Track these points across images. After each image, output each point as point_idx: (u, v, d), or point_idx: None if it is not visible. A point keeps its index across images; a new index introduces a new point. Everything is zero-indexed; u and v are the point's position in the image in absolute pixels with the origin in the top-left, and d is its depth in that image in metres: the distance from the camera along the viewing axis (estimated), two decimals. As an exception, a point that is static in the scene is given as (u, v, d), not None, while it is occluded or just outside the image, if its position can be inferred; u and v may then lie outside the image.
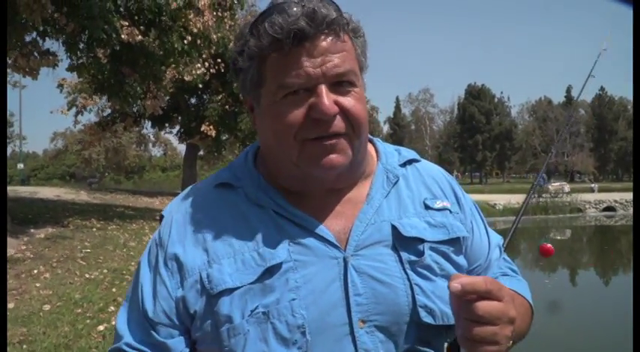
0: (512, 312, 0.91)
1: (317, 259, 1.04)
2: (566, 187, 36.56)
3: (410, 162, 1.23)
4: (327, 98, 0.97)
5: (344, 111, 1.00)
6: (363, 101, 1.04)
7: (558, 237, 25.04)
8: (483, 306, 0.88)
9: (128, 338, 1.07)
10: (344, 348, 1.01)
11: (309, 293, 1.01)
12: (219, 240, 1.07)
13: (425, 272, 1.08)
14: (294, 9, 0.96)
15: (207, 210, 1.12)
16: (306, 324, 0.99)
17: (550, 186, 35.55)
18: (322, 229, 1.07)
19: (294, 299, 1.00)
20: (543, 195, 33.77)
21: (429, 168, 1.25)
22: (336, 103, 0.99)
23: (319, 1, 0.98)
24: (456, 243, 1.14)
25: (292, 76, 0.98)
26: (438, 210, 1.16)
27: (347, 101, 1.01)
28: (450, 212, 1.17)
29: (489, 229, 1.28)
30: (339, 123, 1.00)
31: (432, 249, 1.10)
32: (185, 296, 1.04)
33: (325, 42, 0.98)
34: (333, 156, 1.01)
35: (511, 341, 0.93)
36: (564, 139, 71.13)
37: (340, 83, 1.00)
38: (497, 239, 1.30)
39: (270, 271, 1.02)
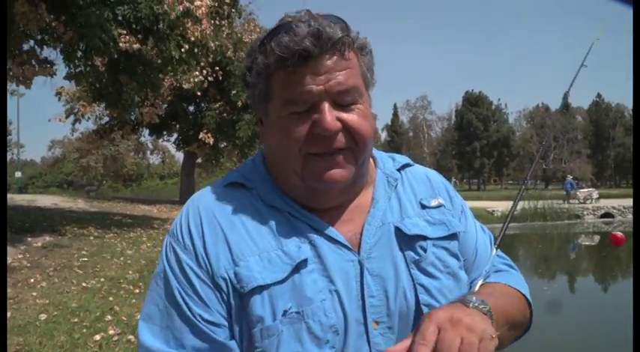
0: (452, 317, 0.91)
1: (335, 262, 1.07)
2: (595, 193, 36.03)
3: (404, 166, 1.28)
4: (329, 115, 1.01)
5: (347, 127, 1.04)
6: (367, 117, 1.08)
7: (586, 243, 24.83)
8: (442, 349, 0.88)
9: (171, 351, 1.04)
10: (360, 348, 1.04)
11: (334, 294, 1.04)
12: (241, 238, 1.08)
13: (430, 269, 1.12)
14: (301, 29, 1.00)
15: (223, 208, 1.13)
16: (337, 324, 1.02)
17: (579, 193, 35.43)
18: (336, 234, 1.10)
19: (324, 300, 1.03)
20: (571, 201, 33.75)
21: (422, 170, 1.32)
22: (340, 119, 1.03)
23: (326, 20, 1.02)
24: (454, 238, 1.20)
25: (297, 93, 1.02)
26: (434, 207, 1.22)
27: (350, 117, 1.04)
28: (445, 208, 1.23)
29: (478, 225, 1.33)
30: (341, 139, 1.04)
31: (434, 245, 1.15)
32: (222, 296, 1.05)
33: (330, 61, 1.02)
34: (335, 171, 1.05)
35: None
36: (562, 146, 71.41)
37: (344, 100, 1.04)
38: (487, 235, 1.35)
39: (298, 268, 1.04)
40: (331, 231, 1.10)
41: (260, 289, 1.03)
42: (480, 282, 1.17)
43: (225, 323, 1.05)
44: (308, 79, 1.01)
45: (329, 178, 1.05)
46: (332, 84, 1.02)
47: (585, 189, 38.71)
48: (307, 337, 1.01)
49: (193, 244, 1.08)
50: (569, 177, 37.82)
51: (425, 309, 1.08)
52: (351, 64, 1.05)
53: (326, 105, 1.02)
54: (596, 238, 26.06)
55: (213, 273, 1.05)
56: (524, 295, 1.25)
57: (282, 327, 1.01)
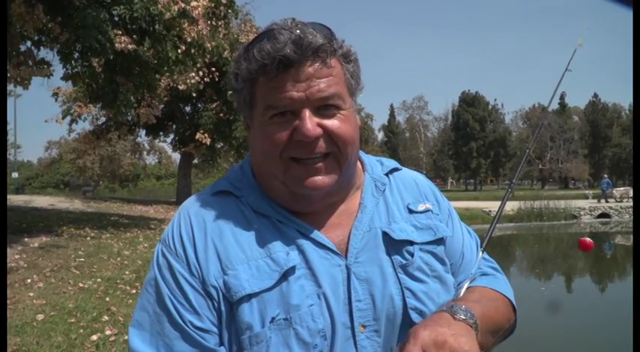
0: (436, 339, 0.93)
1: (323, 267, 1.09)
2: (632, 192, 35.68)
3: (392, 171, 1.30)
4: (309, 121, 1.03)
5: (328, 133, 1.05)
6: (350, 122, 1.09)
7: (623, 243, 24.49)
8: None
9: None
10: None
11: (322, 299, 1.06)
12: (230, 247, 1.09)
13: (417, 274, 1.14)
14: (283, 36, 1.01)
15: (213, 217, 1.14)
16: (325, 329, 1.04)
17: (615, 191, 35.16)
18: (324, 238, 1.12)
19: (312, 305, 1.05)
20: (609, 200, 33.62)
21: (410, 174, 1.34)
22: (321, 126, 1.05)
23: (309, 27, 1.04)
24: (441, 242, 1.22)
25: (278, 99, 1.04)
26: (422, 212, 1.23)
27: (331, 123, 1.06)
28: (432, 212, 1.25)
29: (465, 229, 1.35)
30: (322, 145, 1.06)
31: (421, 250, 1.16)
32: (213, 303, 1.07)
33: (311, 68, 1.03)
34: (317, 178, 1.07)
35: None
36: (559, 146, 71.45)
37: (326, 106, 1.05)
38: (473, 238, 1.36)
39: (286, 276, 1.06)
40: (319, 236, 1.12)
41: (248, 297, 1.04)
42: (465, 285, 1.20)
43: (215, 330, 1.07)
44: (289, 85, 1.03)
45: (310, 185, 1.07)
46: (313, 91, 1.03)
47: (622, 188, 38.30)
48: (295, 342, 1.03)
49: (185, 252, 1.10)
50: (606, 177, 37.59)
51: (412, 313, 1.10)
52: (333, 71, 1.06)
53: (306, 112, 1.03)
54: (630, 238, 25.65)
55: (204, 281, 1.07)
56: (509, 299, 1.26)
57: (271, 334, 1.03)
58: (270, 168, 1.10)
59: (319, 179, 1.07)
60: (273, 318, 1.03)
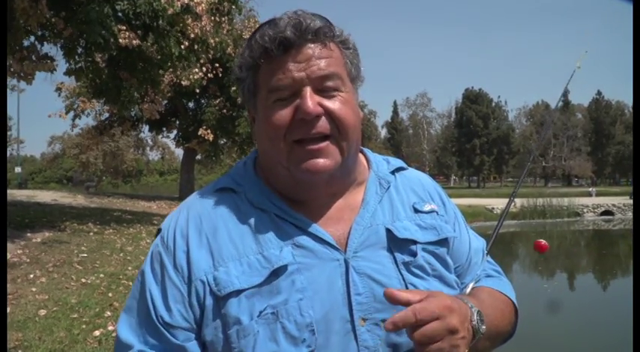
0: (451, 323, 0.98)
1: (320, 261, 1.09)
2: None
3: (398, 170, 1.30)
4: (310, 99, 1.04)
5: (329, 113, 1.07)
6: (350, 105, 1.11)
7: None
8: (420, 333, 0.95)
9: (139, 345, 1.08)
10: (347, 345, 1.06)
11: (315, 293, 1.06)
12: (223, 243, 1.10)
13: (418, 272, 1.14)
14: (282, 21, 1.06)
15: (210, 214, 1.15)
16: (314, 323, 1.04)
17: None
18: (323, 233, 1.12)
19: (301, 299, 1.05)
20: None
21: (416, 174, 1.34)
22: (321, 105, 1.06)
23: (308, 14, 1.08)
24: (444, 243, 1.22)
25: (279, 80, 1.06)
26: (427, 212, 1.23)
27: (332, 103, 1.07)
28: (438, 214, 1.25)
29: (471, 233, 1.36)
30: (323, 124, 1.07)
31: (424, 249, 1.16)
32: (195, 298, 1.08)
33: (311, 49, 1.07)
34: (319, 161, 1.07)
35: (467, 342, 1.01)
36: (562, 144, 71.31)
37: (326, 87, 1.07)
38: (480, 242, 1.37)
39: (276, 273, 1.06)
40: (318, 230, 1.12)
41: (237, 293, 1.05)
42: (470, 286, 1.21)
43: (186, 326, 1.08)
44: (290, 65, 1.06)
45: (313, 167, 1.07)
46: (313, 69, 1.06)
47: None
48: (283, 337, 1.03)
49: (175, 247, 1.12)
50: None
51: None
52: (333, 53, 1.09)
53: (307, 90, 1.05)
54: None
55: (191, 276, 1.08)
56: (513, 302, 1.28)
57: (258, 327, 1.03)
58: (275, 153, 1.10)
59: (321, 161, 1.07)
60: (260, 312, 1.04)
